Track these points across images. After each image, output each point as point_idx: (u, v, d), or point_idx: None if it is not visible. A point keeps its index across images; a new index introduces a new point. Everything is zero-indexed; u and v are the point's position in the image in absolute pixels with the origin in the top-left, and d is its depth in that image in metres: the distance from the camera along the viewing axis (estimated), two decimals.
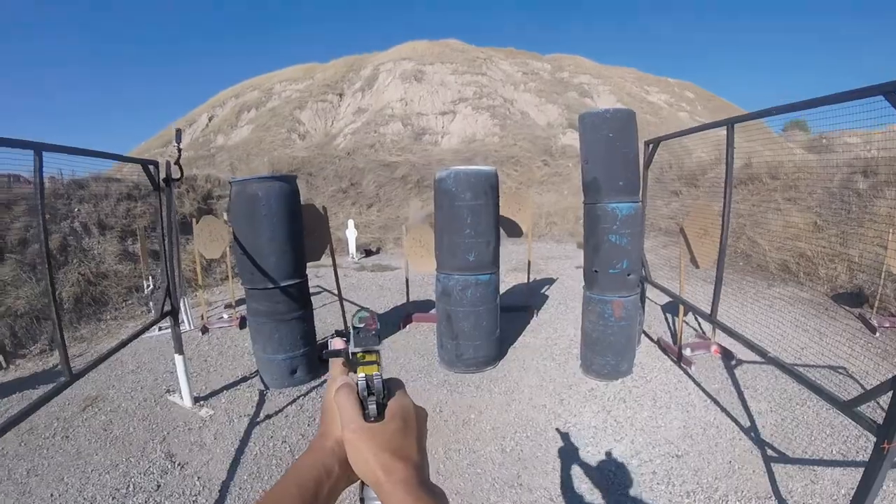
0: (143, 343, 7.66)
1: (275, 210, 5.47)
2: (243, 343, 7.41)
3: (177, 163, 5.03)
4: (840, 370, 5.51)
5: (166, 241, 5.25)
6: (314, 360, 6.11)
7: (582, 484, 3.97)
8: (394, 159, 19.61)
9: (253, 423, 5.15)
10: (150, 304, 8.83)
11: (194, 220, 8.78)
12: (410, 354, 6.76)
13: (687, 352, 5.98)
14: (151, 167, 5.08)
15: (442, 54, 29.27)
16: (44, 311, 8.64)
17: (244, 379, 6.25)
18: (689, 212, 6.41)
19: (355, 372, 0.76)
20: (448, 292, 5.94)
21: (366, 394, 0.73)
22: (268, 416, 5.30)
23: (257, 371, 6.19)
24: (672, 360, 6.05)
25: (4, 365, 7.36)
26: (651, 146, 5.90)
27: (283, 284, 5.61)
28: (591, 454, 4.32)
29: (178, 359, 5.42)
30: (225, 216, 8.82)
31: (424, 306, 8.85)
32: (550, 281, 10.74)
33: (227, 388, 6.00)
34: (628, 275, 5.33)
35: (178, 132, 5.15)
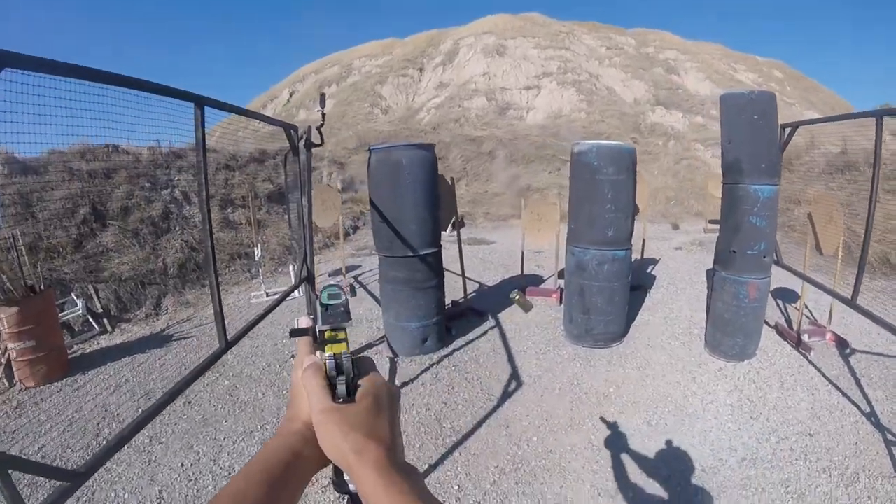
0: (253, 309, 7.64)
1: (417, 178, 5.47)
2: (357, 310, 7.33)
3: (319, 128, 4.92)
4: None
5: (304, 207, 5.16)
6: (443, 329, 6.09)
7: (730, 457, 4.02)
8: (479, 134, 19.25)
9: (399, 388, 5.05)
10: (260, 269, 8.81)
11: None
12: (533, 328, 6.59)
13: (804, 338, 5.84)
14: (292, 131, 4.97)
15: (523, 28, 28.55)
16: (148, 277, 8.77)
17: (368, 346, 6.25)
18: (816, 199, 6.31)
19: (323, 351, 0.73)
20: (583, 266, 5.83)
21: (334, 373, 0.70)
22: (404, 384, 5.25)
23: (383, 338, 6.18)
24: (791, 345, 5.92)
25: (110, 329, 7.47)
26: (788, 130, 5.66)
27: (421, 253, 5.61)
28: (733, 430, 4.36)
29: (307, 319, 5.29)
30: (338, 185, 8.83)
31: (533, 280, 8.58)
32: (653, 261, 10.34)
33: (354, 354, 5.88)
34: (764, 257, 5.23)
35: (323, 97, 4.99)
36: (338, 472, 0.68)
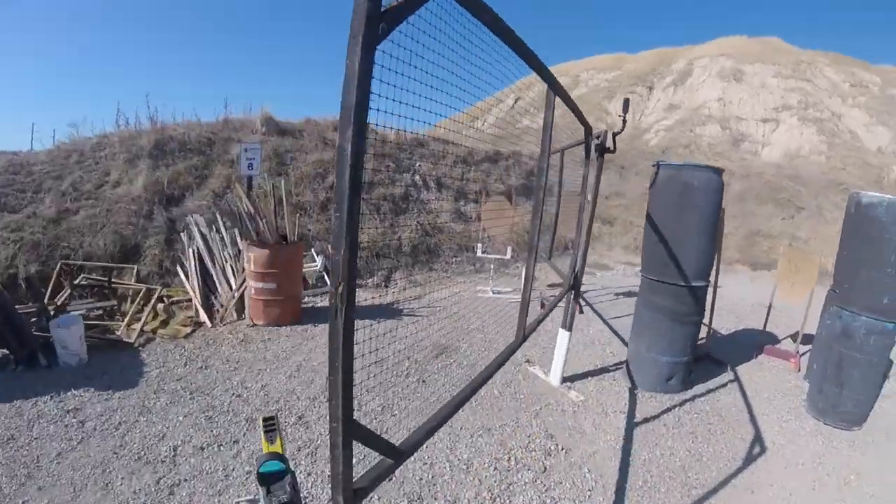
0: (482, 303, 7.78)
1: (708, 203, 5.26)
2: (587, 331, 7.30)
3: (615, 134, 4.86)
4: None
5: (587, 211, 5.20)
6: (689, 370, 5.75)
7: None
8: (711, 164, 18.18)
9: (631, 423, 4.92)
10: (491, 266, 8.98)
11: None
12: (773, 391, 6.01)
13: None
14: (590, 136, 5.06)
15: (762, 53, 26.37)
16: (383, 249, 9.40)
17: (604, 370, 6.06)
18: None
19: None
20: (849, 334, 5.22)
21: None
22: (645, 420, 5.02)
23: (622, 365, 6.00)
24: None
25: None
26: None
27: (694, 284, 5.34)
28: None
29: (564, 335, 5.35)
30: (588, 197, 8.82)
31: (770, 338, 7.75)
32: None
33: (589, 375, 5.84)
34: None
35: (626, 102, 4.95)
36: None
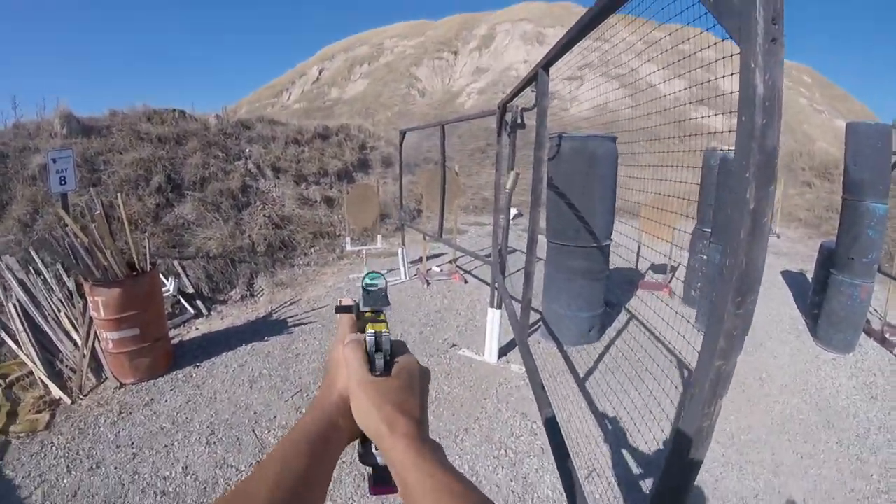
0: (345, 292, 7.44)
1: (610, 168, 5.72)
2: (474, 297, 7.39)
3: (526, 110, 4.79)
4: None
5: (507, 189, 5.10)
6: (605, 319, 6.30)
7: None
8: (527, 122, 18.95)
9: (581, 379, 5.10)
10: (363, 251, 8.47)
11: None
12: (666, 318, 6.20)
13: (887, 335, 6.44)
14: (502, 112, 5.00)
15: (560, 17, 27.96)
16: (237, 254, 8.30)
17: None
18: None
19: (363, 329, 0.75)
20: None
21: (374, 349, 0.72)
22: (590, 372, 5.24)
23: (536, 326, 6.18)
24: (874, 340, 6.43)
25: (206, 312, 6.79)
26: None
27: (603, 244, 5.75)
28: (860, 403, 5.00)
29: (495, 313, 5.30)
30: (456, 168, 8.60)
31: (640, 275, 8.45)
32: None
33: (514, 344, 5.68)
34: (874, 264, 5.90)
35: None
36: (364, 445, 0.69)
